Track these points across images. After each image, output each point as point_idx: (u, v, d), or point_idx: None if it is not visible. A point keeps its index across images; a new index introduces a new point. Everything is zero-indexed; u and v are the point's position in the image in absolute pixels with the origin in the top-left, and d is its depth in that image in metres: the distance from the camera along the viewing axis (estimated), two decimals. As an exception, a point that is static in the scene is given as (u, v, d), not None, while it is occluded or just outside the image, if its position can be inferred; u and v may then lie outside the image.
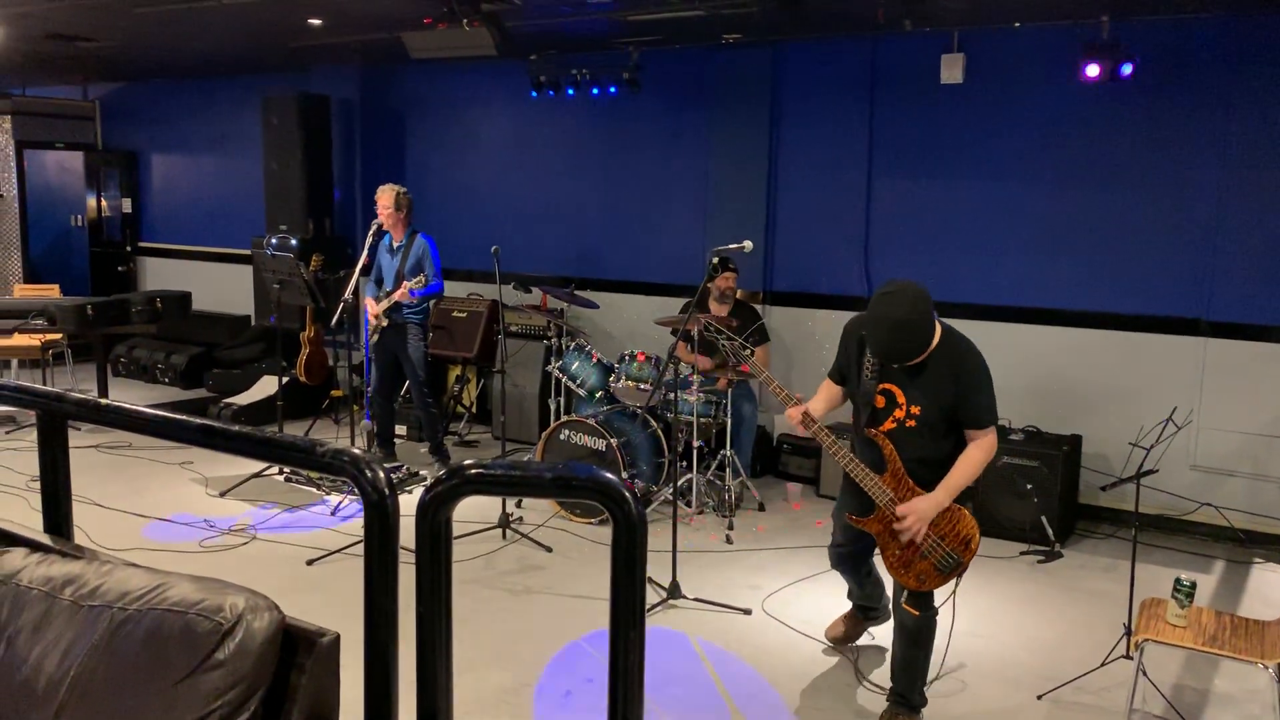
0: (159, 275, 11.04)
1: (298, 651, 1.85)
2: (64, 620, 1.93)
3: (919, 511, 3.58)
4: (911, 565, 3.69)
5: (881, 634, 4.60)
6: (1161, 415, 5.11)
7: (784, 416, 7.38)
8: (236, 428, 2.07)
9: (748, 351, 4.21)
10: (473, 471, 1.84)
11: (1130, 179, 6.25)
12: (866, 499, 3.73)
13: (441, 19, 5.35)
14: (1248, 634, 3.66)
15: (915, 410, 3.63)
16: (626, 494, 1.73)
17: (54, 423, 2.45)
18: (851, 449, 3.83)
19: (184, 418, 2.16)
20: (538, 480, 1.83)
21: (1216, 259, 6.06)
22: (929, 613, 3.79)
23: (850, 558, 4.22)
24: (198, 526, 5.89)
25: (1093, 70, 5.86)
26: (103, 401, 2.44)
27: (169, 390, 9.50)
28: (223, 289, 10.19)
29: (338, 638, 1.92)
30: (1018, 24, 6.30)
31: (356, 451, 1.96)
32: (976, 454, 3.62)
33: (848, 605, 4.62)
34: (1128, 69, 5.84)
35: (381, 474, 1.93)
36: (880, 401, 3.69)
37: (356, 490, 1.93)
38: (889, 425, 3.67)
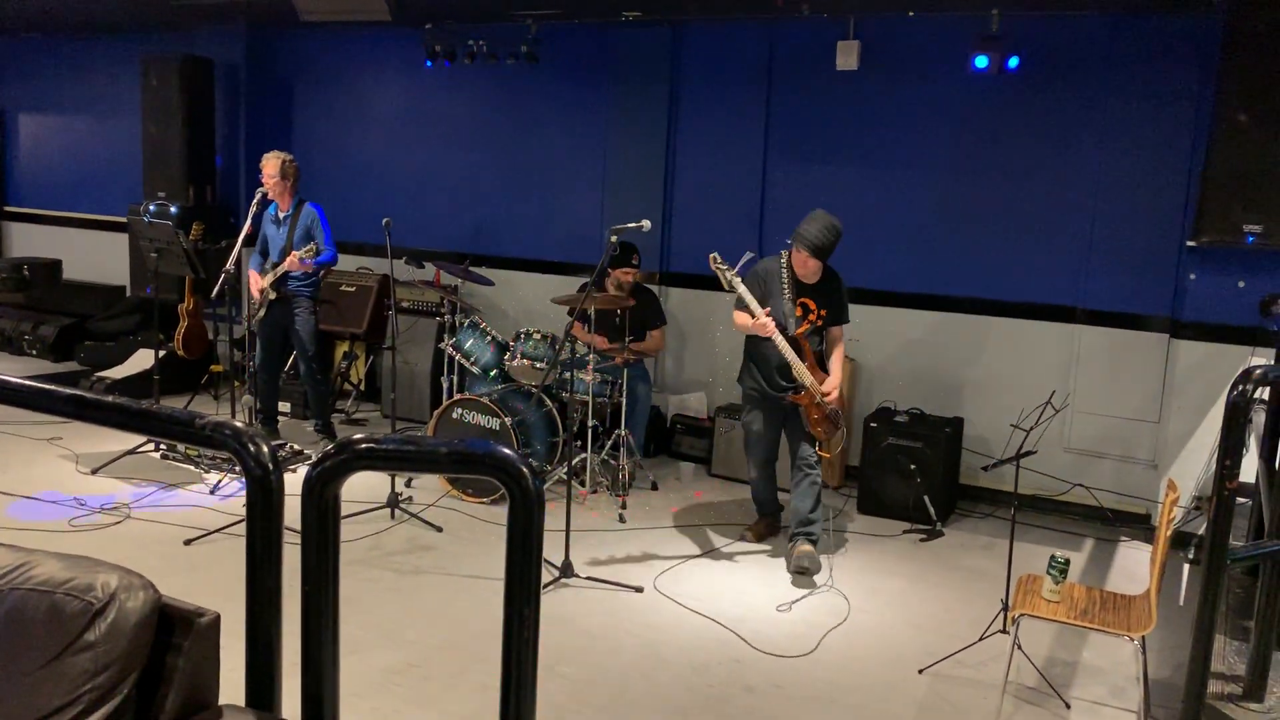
0: (26, 241, 10.45)
1: (174, 632, 1.77)
2: (-84, 602, 1.81)
3: (836, 386, 5.27)
4: (822, 423, 5.27)
5: (764, 624, 4.67)
6: (1038, 399, 5.29)
7: (679, 400, 7.43)
8: (111, 399, 1.97)
9: (739, 286, 5.03)
10: (362, 446, 1.78)
11: (1014, 169, 6.45)
12: (787, 387, 5.26)
13: (334, -19, 5.17)
14: (1115, 608, 3.83)
15: (823, 313, 5.19)
16: (524, 469, 1.70)
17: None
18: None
19: (53, 388, 2.04)
20: (432, 455, 1.78)
21: (1092, 249, 6.30)
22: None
23: (770, 457, 5.60)
24: (67, 505, 5.62)
25: (981, 61, 6.03)
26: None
27: (37, 363, 9.02)
28: (96, 258, 9.70)
29: (217, 617, 1.85)
30: (912, 13, 6.42)
31: (239, 424, 1.89)
32: (842, 350, 5.41)
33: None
34: (1014, 62, 6.02)
35: (265, 448, 1.86)
36: (799, 311, 5.17)
37: (239, 465, 1.85)
38: (805, 327, 5.17)
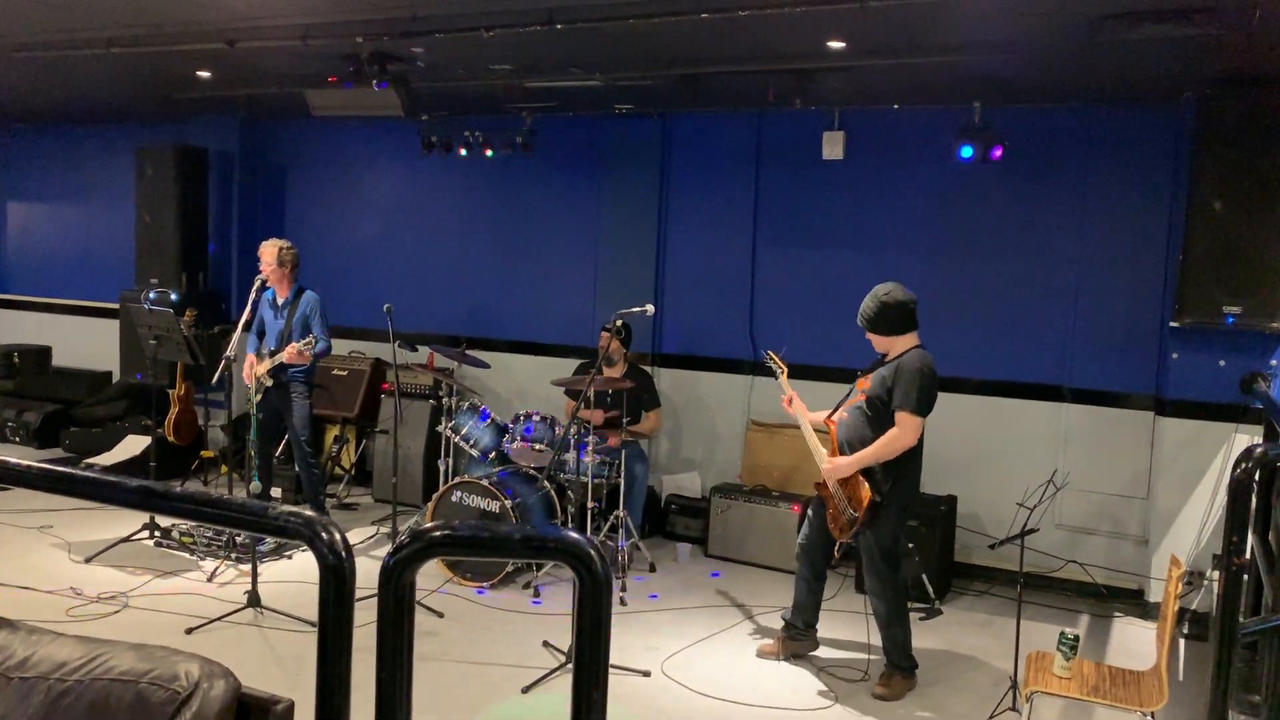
0: (14, 328, 10.39)
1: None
2: (-10, 694, 1.82)
3: (835, 464, 4.79)
4: (837, 521, 4.86)
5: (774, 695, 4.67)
6: (1030, 477, 5.41)
7: (673, 480, 7.48)
8: (180, 489, 2.02)
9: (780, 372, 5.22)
10: (438, 533, 1.84)
11: (998, 253, 6.65)
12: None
13: (347, 78, 5.33)
14: (1125, 684, 3.88)
15: (865, 386, 4.82)
16: (593, 553, 1.76)
17: (-38, 484, 2.32)
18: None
19: (120, 479, 2.08)
20: (506, 541, 1.84)
21: (1076, 330, 6.49)
22: (885, 585, 4.84)
23: (807, 550, 5.11)
24: (63, 594, 5.55)
25: (965, 151, 6.25)
26: (17, 462, 2.32)
27: (21, 450, 8.95)
28: (83, 343, 9.70)
29: (291, 705, 1.88)
30: (896, 105, 6.68)
31: (310, 513, 1.93)
32: (884, 436, 4.68)
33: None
34: (997, 151, 6.25)
35: (339, 536, 1.91)
36: (859, 385, 4.92)
37: (312, 553, 1.89)
38: (854, 400, 4.88)
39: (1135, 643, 5.68)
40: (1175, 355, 5.97)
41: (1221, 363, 5.85)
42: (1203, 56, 5.10)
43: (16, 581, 5.71)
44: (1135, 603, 6.26)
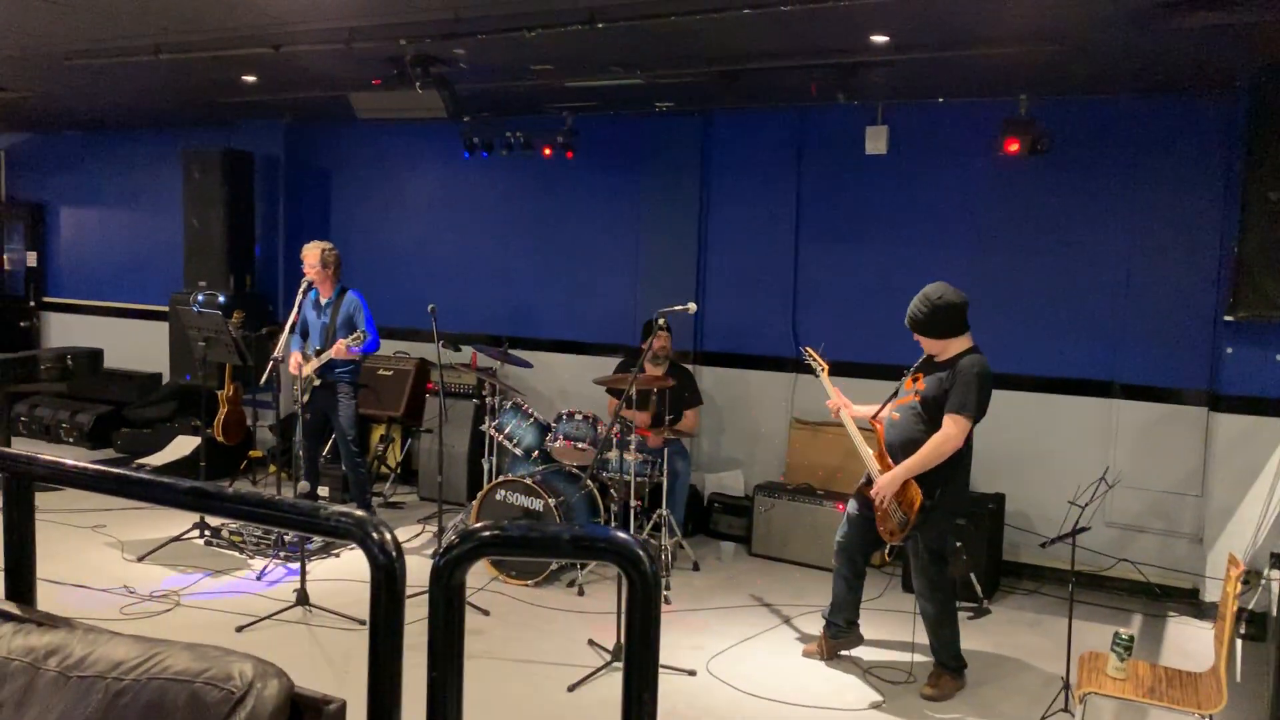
0: (65, 331, 10.63)
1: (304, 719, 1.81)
2: (49, 693, 1.85)
3: (880, 485, 4.69)
4: (886, 523, 4.75)
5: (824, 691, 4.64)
6: (1079, 474, 5.32)
7: (716, 479, 7.46)
8: (232, 490, 2.04)
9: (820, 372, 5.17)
10: (488, 534, 1.84)
11: (1046, 247, 6.55)
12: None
13: (391, 81, 5.37)
14: (1182, 685, 3.81)
15: (920, 387, 4.71)
16: (643, 554, 1.75)
17: (21, 486, 2.36)
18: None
19: (173, 481, 2.11)
20: (555, 541, 1.84)
21: (1125, 324, 6.37)
22: (933, 586, 4.76)
23: (846, 549, 5.05)
24: (116, 593, 5.65)
25: (1012, 145, 6.16)
26: (74, 464, 2.35)
27: (74, 451, 9.13)
28: (132, 346, 9.85)
29: (344, 705, 1.89)
30: (941, 99, 6.60)
31: (361, 514, 1.94)
32: (932, 439, 4.58)
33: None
34: (1044, 144, 6.15)
35: (389, 536, 1.92)
36: (909, 384, 4.82)
37: (364, 553, 1.90)
38: (905, 400, 4.78)
39: (1190, 643, 5.57)
40: (1229, 350, 5.84)
41: (1278, 357, 5.73)
42: (1254, 43, 4.99)
43: (71, 580, 5.82)
44: (1189, 602, 6.14)
